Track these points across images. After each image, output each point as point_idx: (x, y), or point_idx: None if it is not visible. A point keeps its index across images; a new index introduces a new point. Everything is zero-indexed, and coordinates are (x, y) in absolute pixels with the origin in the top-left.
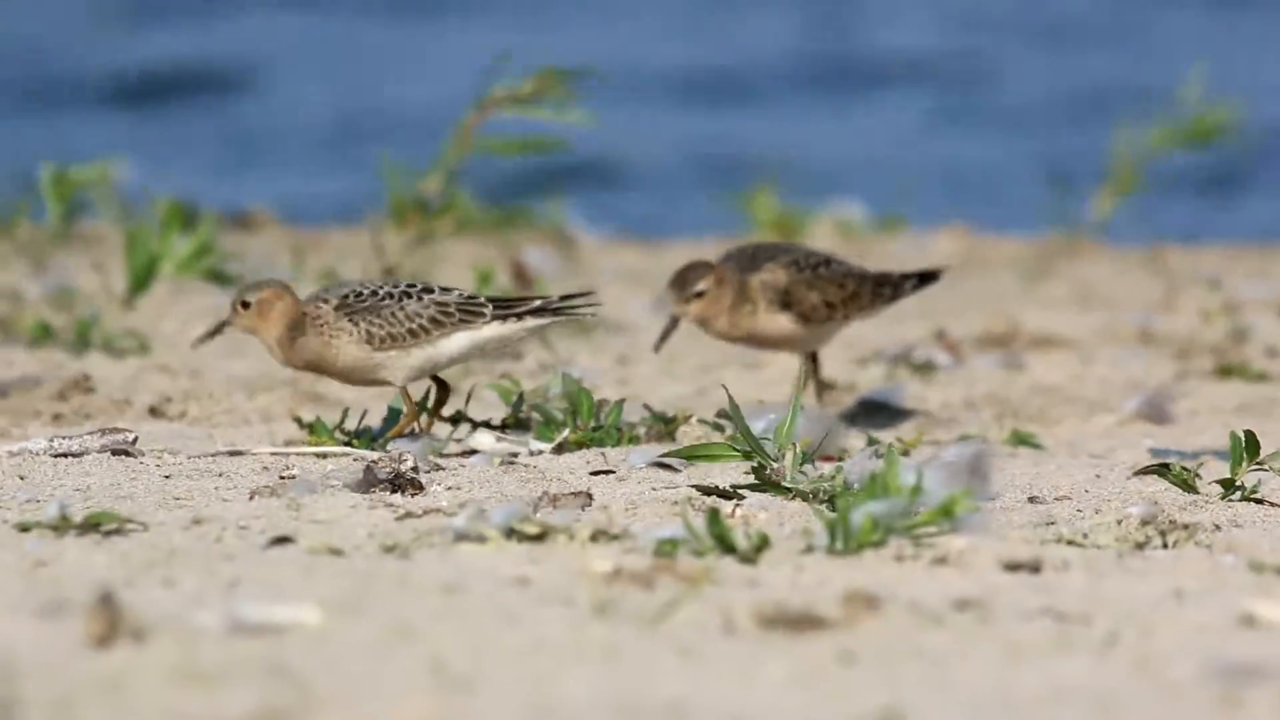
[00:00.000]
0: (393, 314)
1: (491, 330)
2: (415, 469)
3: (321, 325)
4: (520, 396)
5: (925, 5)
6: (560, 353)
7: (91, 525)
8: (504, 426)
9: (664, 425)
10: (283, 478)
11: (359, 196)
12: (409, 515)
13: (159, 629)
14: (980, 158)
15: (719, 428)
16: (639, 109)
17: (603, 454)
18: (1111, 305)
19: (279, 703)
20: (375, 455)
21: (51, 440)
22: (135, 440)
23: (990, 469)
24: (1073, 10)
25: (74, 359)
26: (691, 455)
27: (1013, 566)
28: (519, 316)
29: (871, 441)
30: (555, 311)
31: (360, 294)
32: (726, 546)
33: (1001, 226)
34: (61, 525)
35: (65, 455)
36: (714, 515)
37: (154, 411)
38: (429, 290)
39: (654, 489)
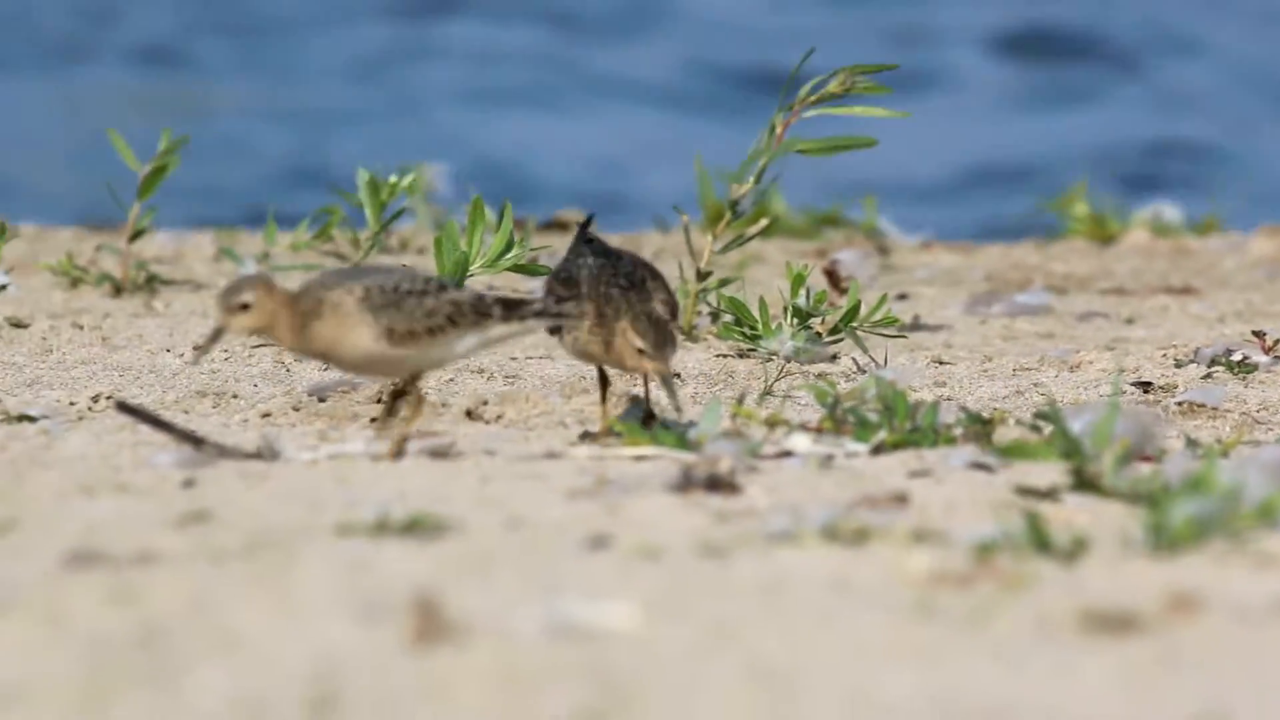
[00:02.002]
0: (414, 311)
1: (498, 330)
2: (732, 471)
3: (343, 315)
4: (836, 398)
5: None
6: (876, 354)
7: (410, 528)
8: (820, 429)
9: (981, 426)
10: (599, 480)
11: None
12: (726, 517)
13: (478, 631)
14: None
15: (1036, 428)
16: (952, 110)
17: (919, 455)
18: None
19: (598, 705)
20: (692, 457)
21: (370, 443)
22: (452, 443)
23: None
24: None
25: None
26: (1009, 456)
27: None
28: (523, 318)
29: (1190, 442)
30: (557, 314)
31: (383, 288)
32: (1045, 548)
33: None
34: (380, 528)
35: (384, 458)
36: (1032, 516)
37: (470, 414)
38: (443, 288)
39: (971, 490)
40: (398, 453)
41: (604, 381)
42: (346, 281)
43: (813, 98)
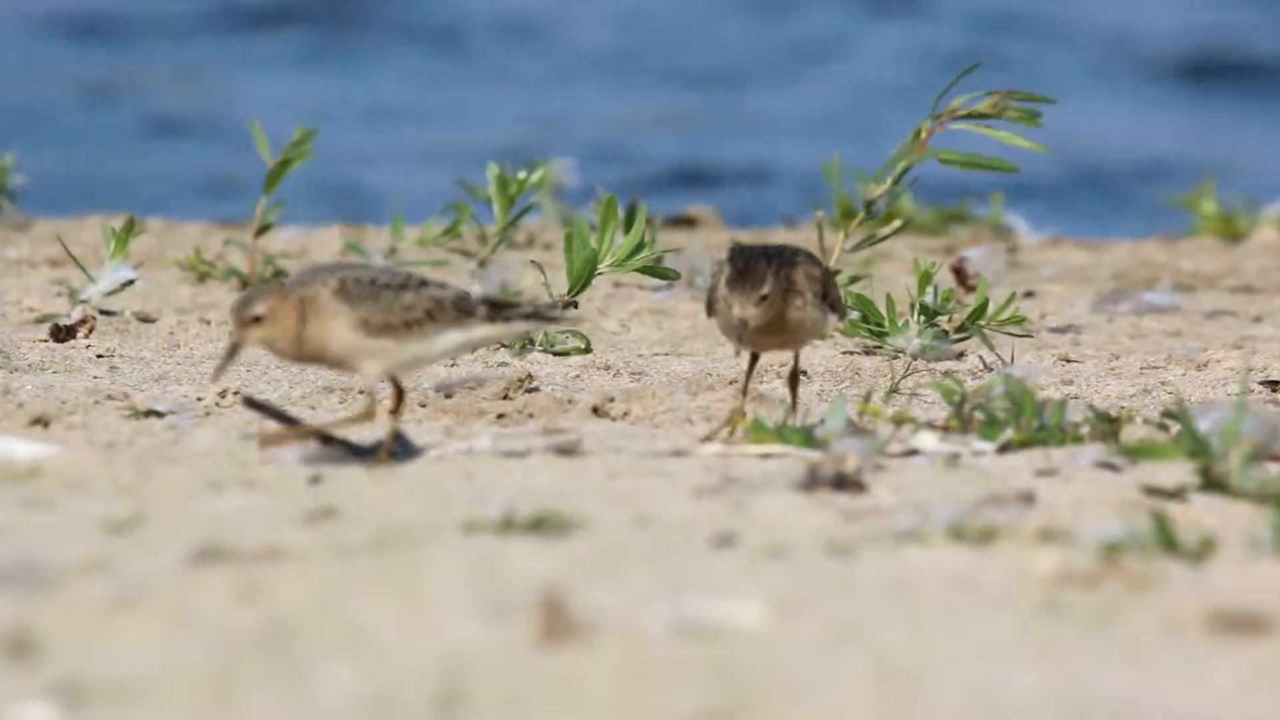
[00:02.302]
0: (390, 304)
1: (482, 331)
2: (858, 469)
3: (320, 308)
4: (963, 396)
5: None
6: (1003, 352)
7: (536, 525)
8: (946, 427)
9: (1108, 425)
10: (726, 478)
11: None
12: (852, 515)
13: (604, 629)
14: None
15: (1164, 427)
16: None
17: (1046, 454)
18: None
19: (723, 703)
20: (818, 455)
21: (496, 440)
22: (579, 440)
23: None
24: None
25: (517, 358)
26: (1136, 455)
27: None
28: (508, 319)
29: None
30: (546, 318)
31: (359, 280)
32: (1172, 547)
33: None
34: (507, 525)
35: (510, 455)
36: (1159, 516)
37: (596, 411)
38: (425, 284)
39: (1098, 489)
40: (390, 454)
41: (752, 362)
42: (323, 275)
43: (962, 112)
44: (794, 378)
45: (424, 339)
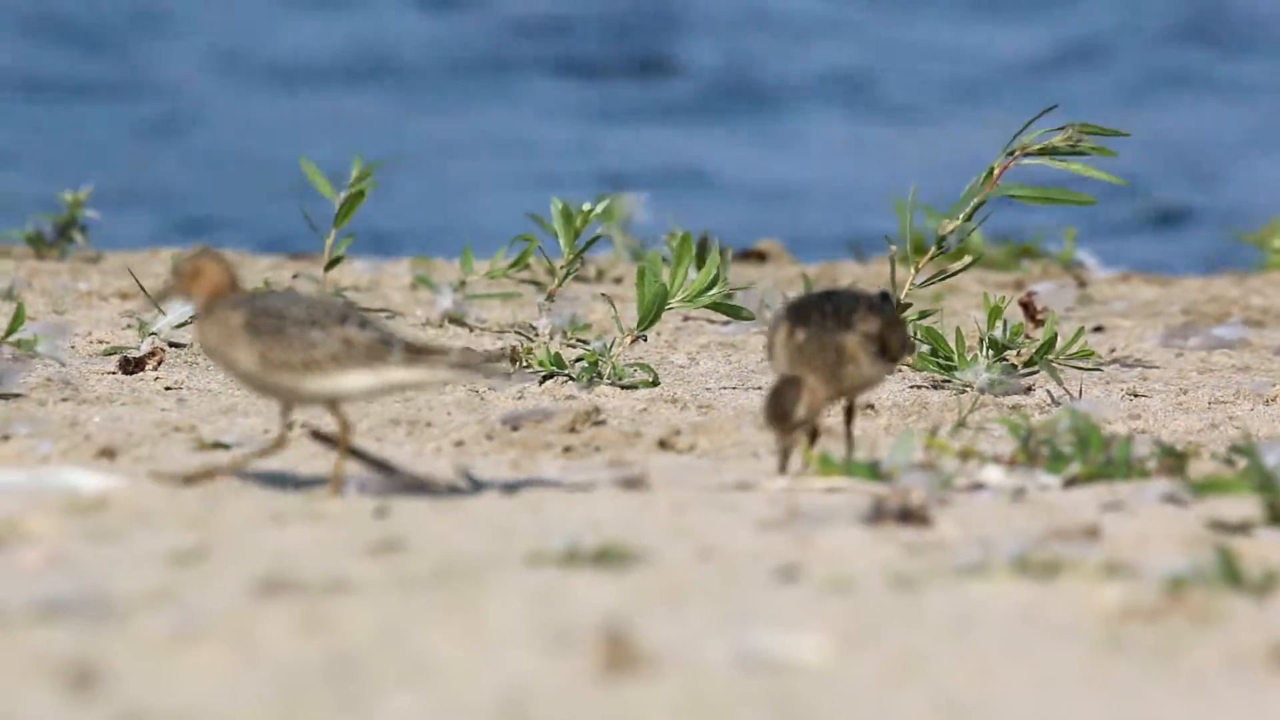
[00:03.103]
0: (293, 342)
1: (398, 374)
2: (924, 503)
3: (228, 331)
4: (1029, 431)
5: None
6: (1071, 387)
7: (601, 557)
8: (1013, 461)
9: (1174, 459)
10: (790, 511)
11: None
12: (917, 549)
13: (667, 662)
14: None
15: (1230, 462)
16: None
17: (1112, 489)
18: None
19: None
20: (884, 489)
21: (562, 473)
22: (645, 473)
23: None
24: None
25: (584, 391)
26: (1202, 490)
27: None
28: (430, 365)
29: None
30: (472, 367)
31: (269, 314)
32: (1237, 582)
33: None
34: (571, 557)
35: (575, 488)
36: (1225, 551)
37: (663, 444)
38: (345, 322)
39: (1163, 524)
40: (338, 485)
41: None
42: (251, 301)
43: (1036, 147)
44: (849, 413)
45: (325, 378)
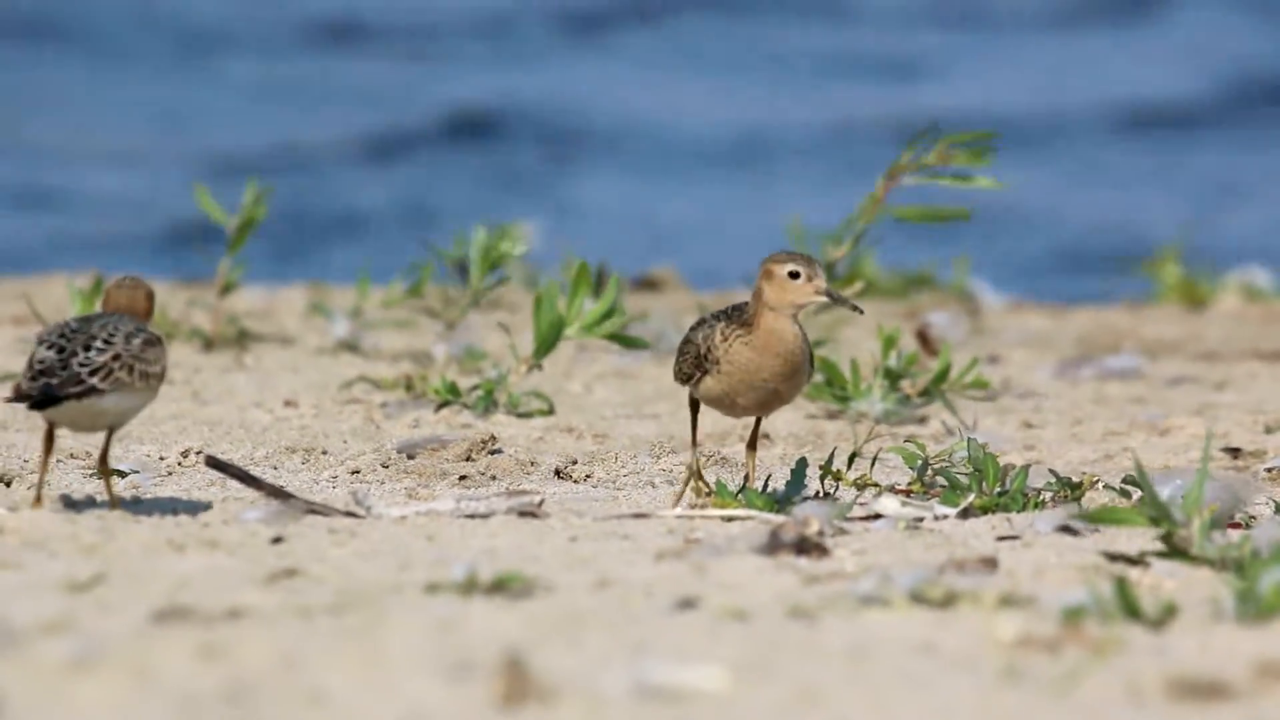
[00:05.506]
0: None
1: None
2: (820, 533)
3: None
4: (925, 461)
5: None
6: (966, 417)
7: (498, 587)
8: (909, 491)
9: (1070, 491)
10: (688, 540)
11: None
12: (814, 579)
13: (566, 691)
14: None
15: (1125, 494)
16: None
17: (1008, 519)
18: None
19: None
20: (781, 519)
21: (459, 501)
22: (541, 502)
23: None
24: None
25: (480, 419)
26: (1098, 520)
27: None
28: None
29: (1279, 509)
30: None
31: (50, 333)
32: (1134, 614)
33: None
34: (469, 586)
35: (472, 516)
36: (1121, 583)
37: (559, 473)
38: (88, 349)
39: (1060, 555)
40: (115, 503)
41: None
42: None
43: (912, 166)
44: (753, 443)
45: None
